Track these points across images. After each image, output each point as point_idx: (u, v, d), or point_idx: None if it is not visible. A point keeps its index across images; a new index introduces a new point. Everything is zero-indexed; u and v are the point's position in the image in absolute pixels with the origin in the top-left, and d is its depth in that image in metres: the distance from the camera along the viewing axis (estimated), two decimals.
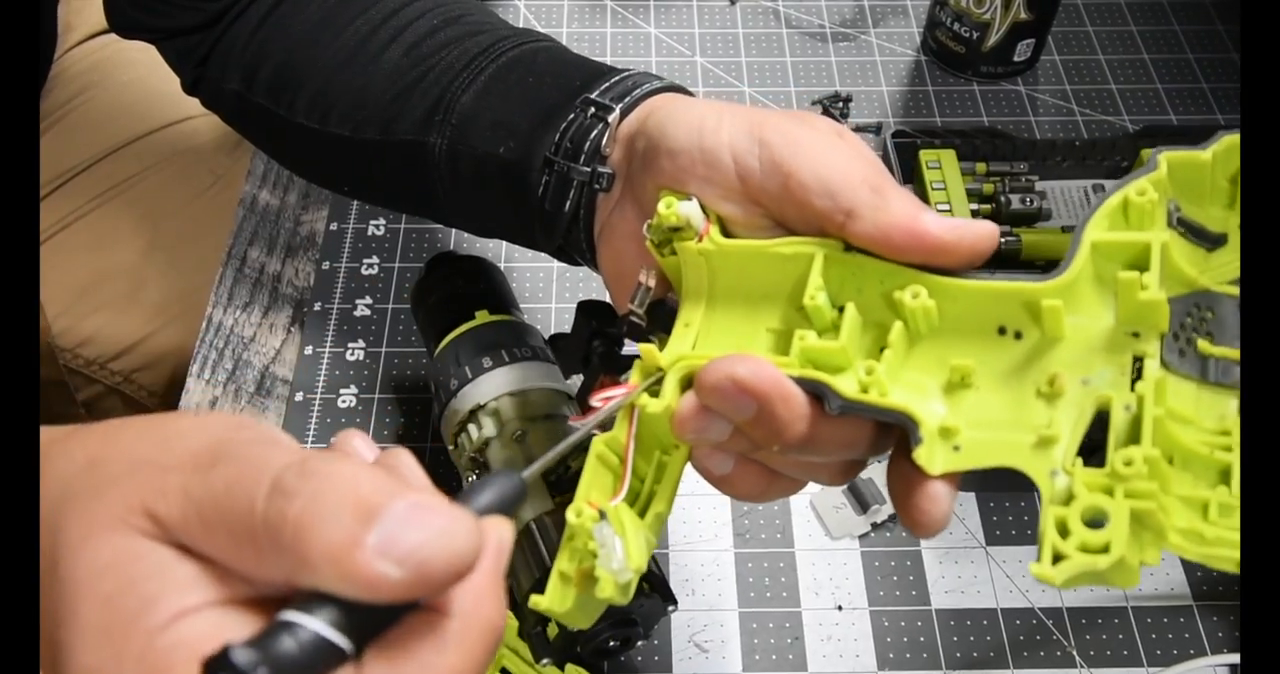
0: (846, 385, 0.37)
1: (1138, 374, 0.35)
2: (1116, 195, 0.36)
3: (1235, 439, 0.33)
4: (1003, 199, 0.74)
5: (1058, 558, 0.32)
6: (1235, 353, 0.35)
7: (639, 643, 0.57)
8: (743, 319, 0.41)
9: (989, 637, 0.60)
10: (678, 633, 0.60)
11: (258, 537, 0.28)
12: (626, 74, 0.50)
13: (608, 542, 0.37)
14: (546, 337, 0.62)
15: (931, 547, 0.63)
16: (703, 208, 0.41)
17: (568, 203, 0.49)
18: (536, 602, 0.38)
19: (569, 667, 0.54)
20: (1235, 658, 0.58)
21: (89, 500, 0.30)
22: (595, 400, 0.40)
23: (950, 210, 0.73)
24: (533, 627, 0.52)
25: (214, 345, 0.73)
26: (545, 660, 0.52)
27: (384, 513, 0.27)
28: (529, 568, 0.52)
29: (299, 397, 0.69)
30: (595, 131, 0.48)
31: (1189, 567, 0.63)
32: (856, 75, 0.90)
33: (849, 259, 0.39)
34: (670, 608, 0.53)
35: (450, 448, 0.59)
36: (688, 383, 0.39)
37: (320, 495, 0.27)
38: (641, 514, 0.40)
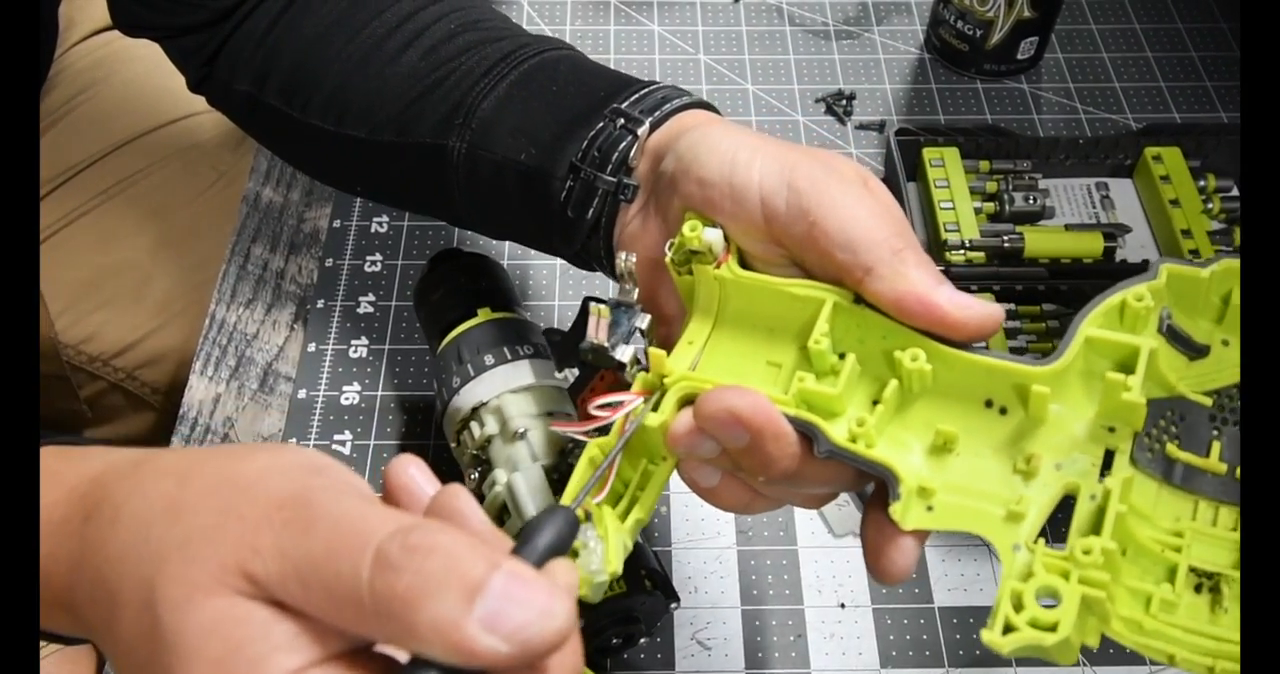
0: (837, 432, 0.39)
1: (1107, 466, 0.37)
2: (1116, 296, 0.39)
3: (1186, 541, 0.36)
4: (1006, 197, 0.74)
5: (1008, 629, 0.34)
6: (1199, 460, 0.38)
7: (641, 640, 0.57)
8: (746, 348, 0.43)
9: None
10: (680, 630, 0.60)
11: (363, 604, 0.29)
12: (655, 87, 0.51)
13: (590, 543, 0.38)
14: (543, 331, 0.62)
15: (934, 545, 0.63)
16: (725, 237, 0.43)
17: (590, 211, 0.49)
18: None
19: None
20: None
21: (183, 561, 0.31)
22: (593, 407, 0.41)
23: (954, 209, 0.73)
24: None
25: (217, 342, 0.73)
26: None
27: (486, 589, 0.29)
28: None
29: (302, 394, 0.69)
30: (625, 143, 0.48)
31: None
32: (860, 73, 0.90)
33: (857, 311, 0.40)
34: (673, 605, 0.53)
35: (453, 445, 0.59)
36: (686, 402, 0.41)
37: (425, 572, 0.29)
38: (622, 519, 0.41)
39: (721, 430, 0.38)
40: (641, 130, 0.48)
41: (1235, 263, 0.39)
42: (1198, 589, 0.36)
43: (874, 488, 0.40)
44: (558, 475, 0.53)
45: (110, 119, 0.93)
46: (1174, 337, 0.39)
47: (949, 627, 0.60)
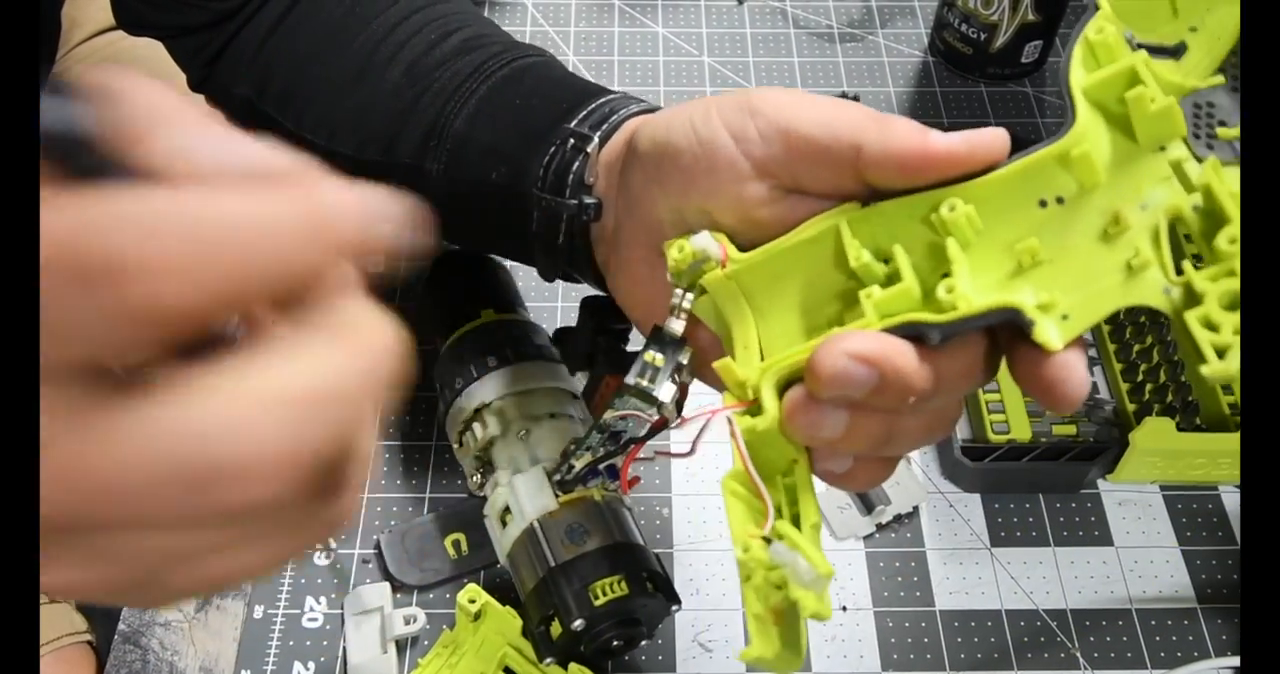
0: (934, 315, 0.36)
1: (1184, 180, 0.35)
2: (1077, 44, 0.37)
3: None
4: None
5: (1222, 354, 0.31)
6: None
7: (643, 642, 0.57)
8: (799, 316, 0.41)
9: (993, 638, 0.60)
10: (681, 632, 0.60)
11: None
12: (606, 99, 0.50)
13: (787, 559, 0.35)
14: (552, 334, 0.62)
15: (936, 548, 0.63)
16: (710, 235, 0.41)
17: (560, 236, 0.49)
18: (746, 654, 0.36)
19: (572, 666, 0.54)
20: (1239, 660, 0.58)
21: None
22: (693, 416, 0.40)
23: None
24: (536, 625, 0.52)
25: None
26: (549, 660, 0.52)
27: None
28: (533, 568, 0.52)
29: None
30: (577, 163, 0.48)
31: (1193, 570, 0.63)
32: (864, 76, 0.90)
33: (873, 212, 0.39)
34: (674, 607, 0.53)
35: (455, 446, 0.59)
36: (782, 388, 0.38)
37: None
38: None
39: (850, 381, 0.35)
40: (591, 146, 0.47)
41: None
42: None
43: (1005, 340, 0.38)
44: (559, 477, 0.53)
45: None
46: (1148, 50, 0.37)
47: (950, 630, 0.60)
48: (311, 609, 0.61)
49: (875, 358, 0.35)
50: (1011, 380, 0.66)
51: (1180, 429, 0.62)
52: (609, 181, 0.47)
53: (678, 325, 0.42)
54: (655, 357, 0.42)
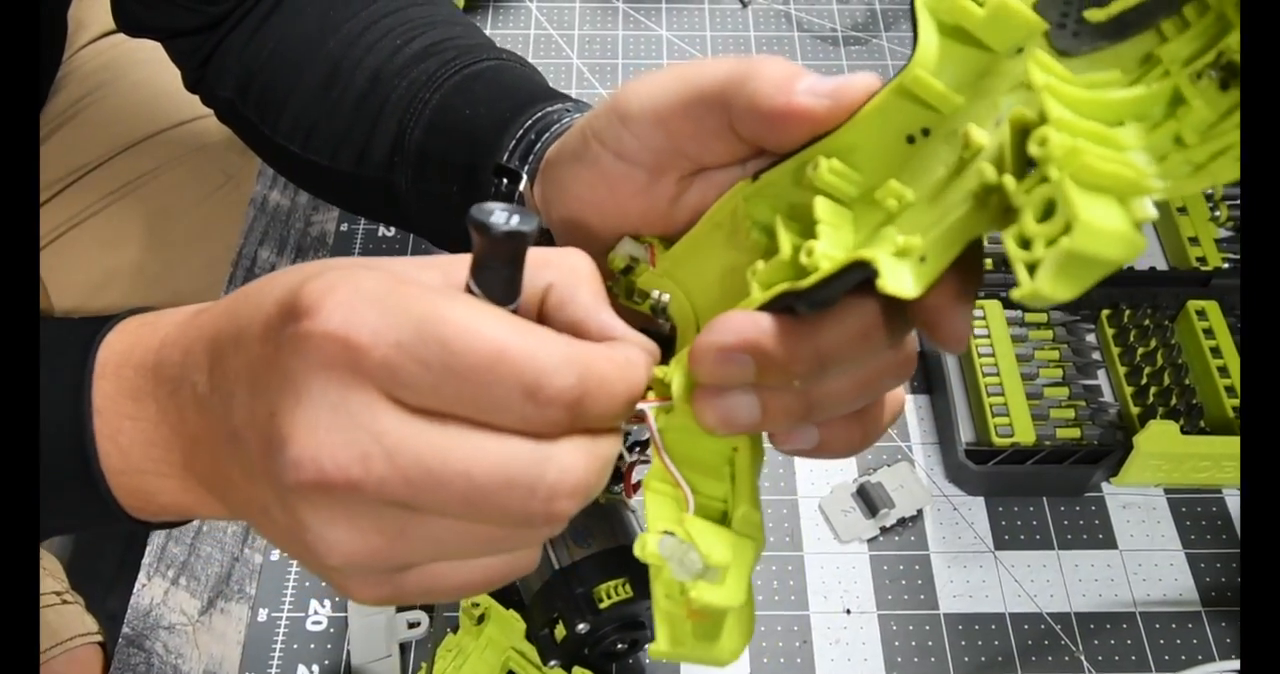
0: (796, 284, 0.34)
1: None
2: None
3: (1154, 70, 0.30)
4: None
5: (1033, 270, 0.27)
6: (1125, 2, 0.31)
7: (646, 645, 0.57)
8: (722, 302, 0.39)
9: (997, 641, 0.60)
10: None
11: None
12: (534, 121, 0.49)
13: (676, 551, 0.34)
14: None
15: (940, 551, 0.63)
16: (636, 239, 0.41)
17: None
18: (652, 650, 0.35)
19: (576, 669, 0.54)
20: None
21: None
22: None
23: None
24: (540, 628, 0.52)
25: None
26: (553, 662, 0.52)
27: None
28: (538, 570, 0.52)
29: None
30: (516, 195, 0.47)
31: (1197, 573, 0.63)
32: None
33: (761, 186, 0.37)
34: None
35: None
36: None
37: None
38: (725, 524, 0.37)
39: (725, 374, 0.34)
40: (523, 185, 0.47)
41: None
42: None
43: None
44: None
45: (118, 121, 0.94)
46: None
47: (954, 633, 0.60)
48: (315, 612, 0.61)
49: (738, 345, 0.34)
50: (1015, 383, 0.67)
51: (1184, 432, 0.62)
52: (550, 195, 0.45)
53: (662, 326, 0.42)
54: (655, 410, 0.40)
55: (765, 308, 0.34)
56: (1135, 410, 0.66)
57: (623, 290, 0.42)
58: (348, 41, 0.58)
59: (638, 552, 0.34)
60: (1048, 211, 0.28)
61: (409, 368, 0.30)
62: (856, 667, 0.59)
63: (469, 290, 0.34)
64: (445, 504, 0.31)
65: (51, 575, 0.77)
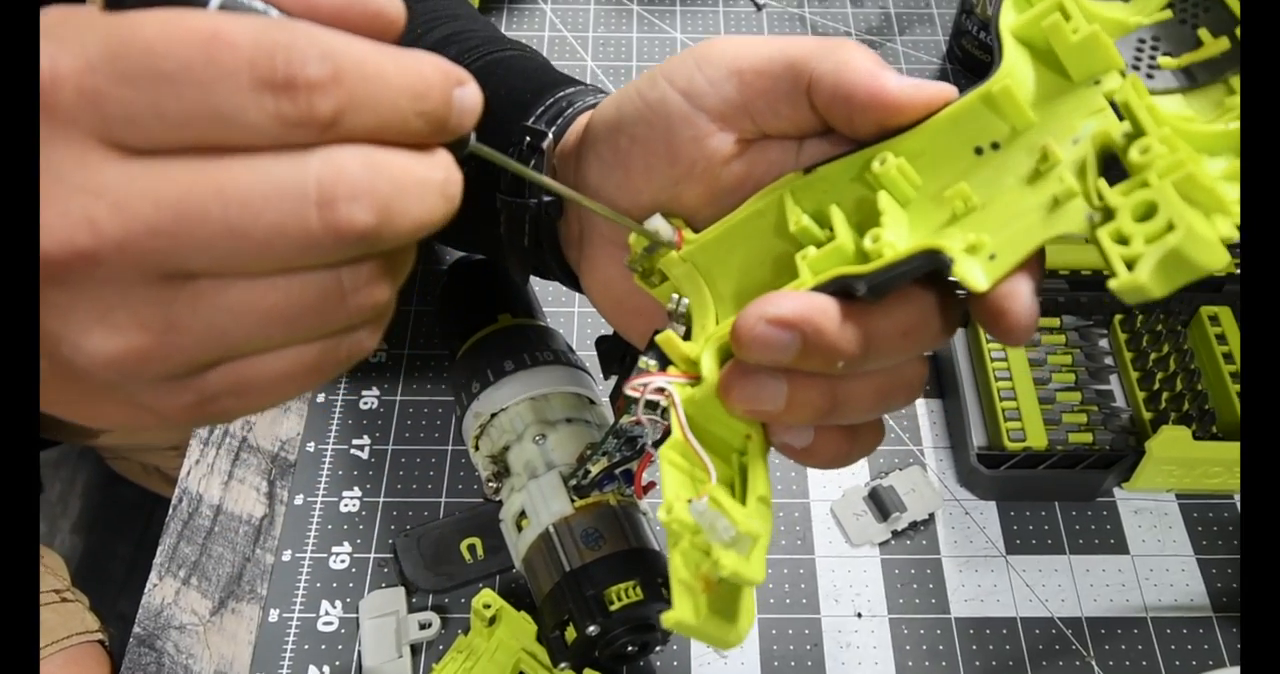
0: (860, 267, 0.35)
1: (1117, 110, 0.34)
2: None
3: (1234, 115, 0.34)
4: None
5: (1131, 266, 0.30)
6: (1201, 53, 0.35)
7: (658, 648, 0.57)
8: (752, 291, 0.39)
9: (1008, 646, 0.60)
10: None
11: None
12: (565, 93, 0.49)
13: (707, 517, 0.34)
14: (587, 340, 0.62)
15: (951, 555, 0.63)
16: (665, 217, 0.41)
17: (526, 238, 0.48)
18: (667, 618, 0.34)
19: (586, 671, 0.54)
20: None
21: None
22: (628, 389, 0.39)
23: None
24: (551, 631, 0.52)
25: None
26: (563, 664, 0.53)
27: None
28: (548, 572, 0.52)
29: (320, 398, 0.70)
30: (533, 162, 0.47)
31: (1209, 578, 0.62)
32: None
33: (814, 178, 0.38)
34: None
35: (471, 450, 0.59)
36: (725, 359, 0.38)
37: None
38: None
39: (768, 346, 0.34)
40: (545, 143, 0.46)
41: None
42: None
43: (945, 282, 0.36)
44: (574, 482, 0.53)
45: None
46: None
47: (965, 637, 0.60)
48: (326, 613, 0.61)
49: (793, 319, 0.34)
50: (1027, 388, 0.67)
51: (1196, 438, 0.62)
52: (566, 178, 0.46)
53: (677, 330, 0.42)
54: (651, 364, 0.41)
55: (818, 290, 0.35)
56: (1148, 416, 0.66)
57: (643, 266, 0.42)
58: None
59: (662, 516, 0.34)
60: (1147, 214, 0.31)
61: (114, 92, 0.25)
62: (867, 670, 0.59)
63: None
64: (205, 247, 0.26)
65: (52, 573, 0.78)
